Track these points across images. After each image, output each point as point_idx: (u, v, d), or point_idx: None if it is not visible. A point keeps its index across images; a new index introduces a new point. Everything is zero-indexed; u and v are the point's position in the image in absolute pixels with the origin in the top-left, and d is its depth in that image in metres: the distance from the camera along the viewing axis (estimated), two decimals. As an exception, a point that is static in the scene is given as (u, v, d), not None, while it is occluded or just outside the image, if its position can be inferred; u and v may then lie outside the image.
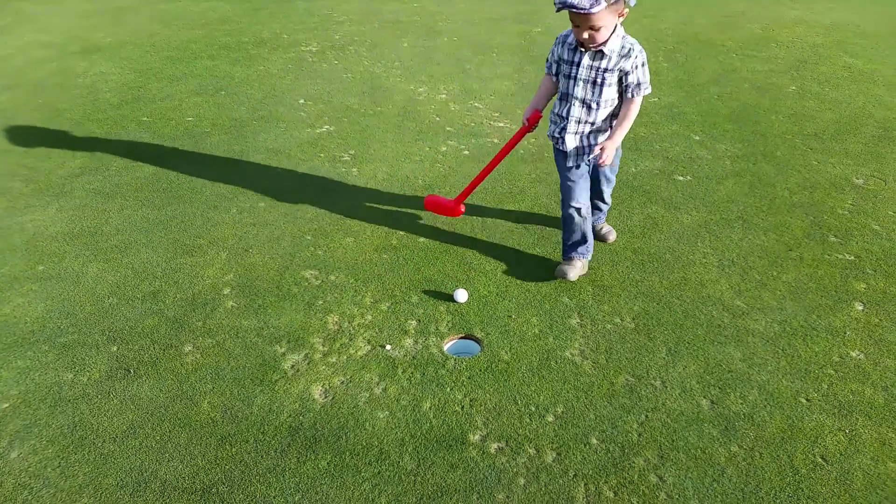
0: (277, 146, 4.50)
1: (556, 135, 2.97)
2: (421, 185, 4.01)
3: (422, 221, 3.64)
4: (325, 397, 2.55)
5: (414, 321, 2.93)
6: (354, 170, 4.20)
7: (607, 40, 2.69)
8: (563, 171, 3.04)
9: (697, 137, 4.52)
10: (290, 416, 2.47)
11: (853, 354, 2.73)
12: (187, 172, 4.18)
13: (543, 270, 3.24)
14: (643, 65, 2.77)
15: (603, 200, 3.34)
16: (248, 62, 6.03)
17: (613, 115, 2.89)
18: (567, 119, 2.90)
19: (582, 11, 2.53)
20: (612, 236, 3.46)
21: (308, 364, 2.71)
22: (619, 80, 2.79)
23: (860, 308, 2.98)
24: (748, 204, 3.75)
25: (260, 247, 3.44)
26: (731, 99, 5.12)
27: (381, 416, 2.47)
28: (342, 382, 2.62)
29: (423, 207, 3.69)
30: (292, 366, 2.70)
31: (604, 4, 2.51)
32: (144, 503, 2.18)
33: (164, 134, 4.70)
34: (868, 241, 3.43)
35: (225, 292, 3.12)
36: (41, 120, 4.93)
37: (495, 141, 4.53)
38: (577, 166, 2.99)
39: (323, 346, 2.80)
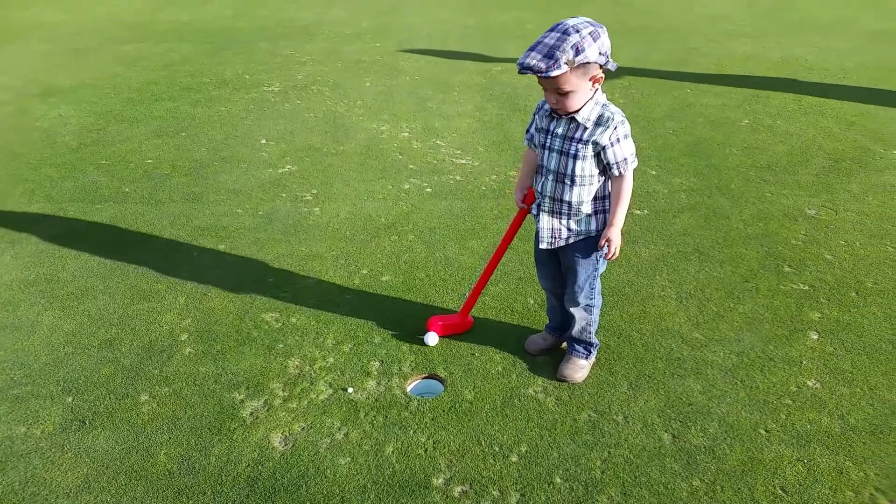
0: (238, 187, 4.48)
1: (534, 211, 2.62)
2: (384, 223, 4.02)
3: (384, 261, 3.64)
4: (285, 445, 2.51)
5: (377, 362, 2.91)
6: (317, 209, 4.20)
7: (582, 107, 2.34)
8: (535, 250, 2.72)
9: (654, 172, 4.61)
10: (248, 465, 2.42)
11: (810, 384, 2.77)
12: (146, 215, 4.14)
13: (505, 307, 3.25)
14: (625, 137, 2.36)
15: (567, 317, 2.81)
16: (209, 103, 6.03)
17: (596, 199, 2.48)
18: (542, 196, 2.54)
19: (540, 74, 2.18)
20: (566, 374, 2.78)
21: (267, 411, 2.67)
22: (599, 156, 2.39)
23: (815, 337, 3.04)
24: (704, 236, 3.83)
25: (219, 290, 3.40)
26: (686, 133, 5.24)
27: (343, 462, 2.43)
28: (303, 429, 2.58)
29: (384, 248, 3.70)
30: (251, 413, 2.66)
31: (564, 68, 2.15)
32: (97, 561, 2.11)
33: (123, 177, 4.66)
34: (821, 270, 3.51)
35: (182, 338, 3.07)
36: (-4, 165, 4.86)
37: (458, 178, 4.57)
38: (549, 252, 2.65)
39: (283, 391, 2.76)
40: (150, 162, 4.88)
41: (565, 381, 2.77)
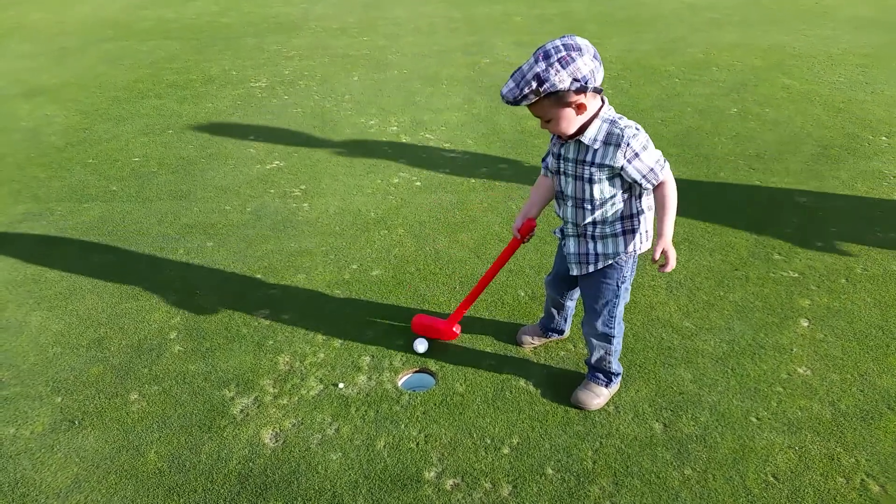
0: (226, 184, 4.46)
1: (559, 235, 2.54)
2: (373, 217, 4.00)
3: (374, 255, 3.63)
4: (276, 441, 2.50)
5: (367, 357, 2.90)
6: (306, 205, 4.18)
7: (584, 128, 2.20)
8: (556, 261, 2.68)
9: (643, 162, 4.60)
10: (239, 462, 2.41)
11: (800, 371, 2.77)
12: (133, 214, 4.11)
13: (496, 300, 3.25)
14: (643, 150, 2.17)
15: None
16: (196, 100, 5.99)
17: (623, 218, 2.33)
18: (565, 221, 2.44)
19: (508, 104, 2.15)
20: (581, 399, 2.63)
21: (258, 407, 2.65)
22: (619, 176, 2.24)
23: (805, 324, 3.04)
24: (693, 225, 3.82)
25: (208, 288, 3.38)
26: (675, 123, 5.24)
27: (334, 457, 2.42)
28: (293, 425, 2.57)
29: (374, 243, 3.69)
30: (241, 410, 2.64)
31: (531, 98, 2.09)
32: (88, 562, 2.10)
33: (109, 175, 4.62)
34: (811, 257, 3.51)
35: (171, 336, 3.05)
36: (-19, 165, 4.81)
37: (447, 171, 4.55)
38: (571, 270, 2.51)
39: (273, 387, 2.75)
40: (136, 160, 4.84)
41: (580, 407, 2.61)
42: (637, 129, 2.19)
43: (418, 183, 4.43)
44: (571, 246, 2.44)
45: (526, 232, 2.55)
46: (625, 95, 5.78)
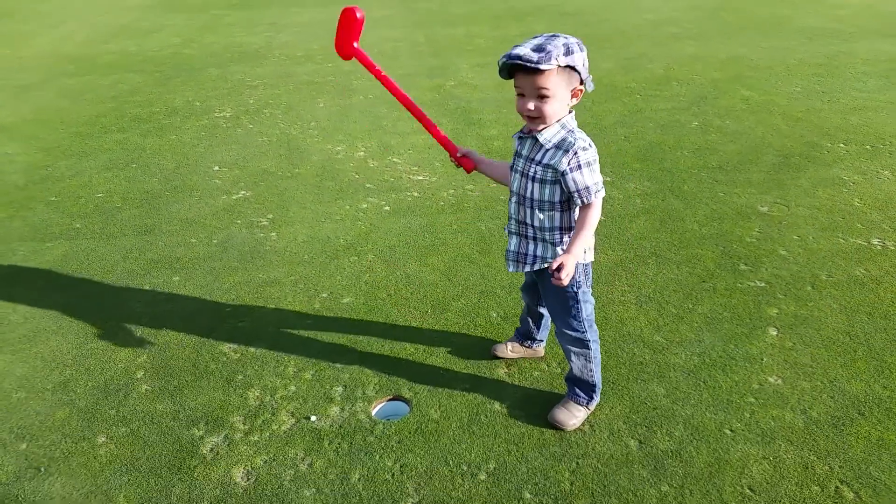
0: (191, 216, 4.41)
1: (507, 232, 2.58)
2: (342, 244, 3.98)
3: (344, 282, 3.60)
4: (248, 480, 2.45)
5: (340, 387, 2.87)
6: (273, 234, 4.14)
7: (548, 127, 2.26)
8: None
9: (608, 178, 4.65)
10: (210, 503, 2.36)
11: (771, 380, 2.79)
12: (98, 251, 4.04)
13: (468, 322, 3.23)
14: (587, 165, 2.23)
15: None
16: (159, 132, 5.93)
17: (563, 229, 2.38)
18: (510, 217, 2.50)
19: (530, 65, 2.09)
20: (558, 418, 2.63)
21: (228, 445, 2.60)
22: (559, 184, 2.29)
23: (774, 333, 3.07)
24: (660, 239, 3.86)
25: (174, 324, 3.33)
26: (638, 138, 5.31)
27: (308, 493, 2.38)
28: (265, 462, 2.52)
29: (344, 270, 3.68)
30: (211, 449, 2.59)
31: (554, 63, 2.09)
32: None
33: (72, 213, 4.55)
34: (777, 266, 3.56)
35: (138, 376, 2.99)
36: (-61, 208, 4.71)
37: (415, 194, 4.55)
38: (507, 266, 2.56)
39: (244, 424, 2.70)
40: (100, 196, 4.77)
41: (557, 426, 2.60)
42: (589, 146, 2.27)
43: (387, 207, 4.42)
44: (512, 244, 2.51)
45: (466, 164, 2.69)
46: (588, 113, 5.84)
